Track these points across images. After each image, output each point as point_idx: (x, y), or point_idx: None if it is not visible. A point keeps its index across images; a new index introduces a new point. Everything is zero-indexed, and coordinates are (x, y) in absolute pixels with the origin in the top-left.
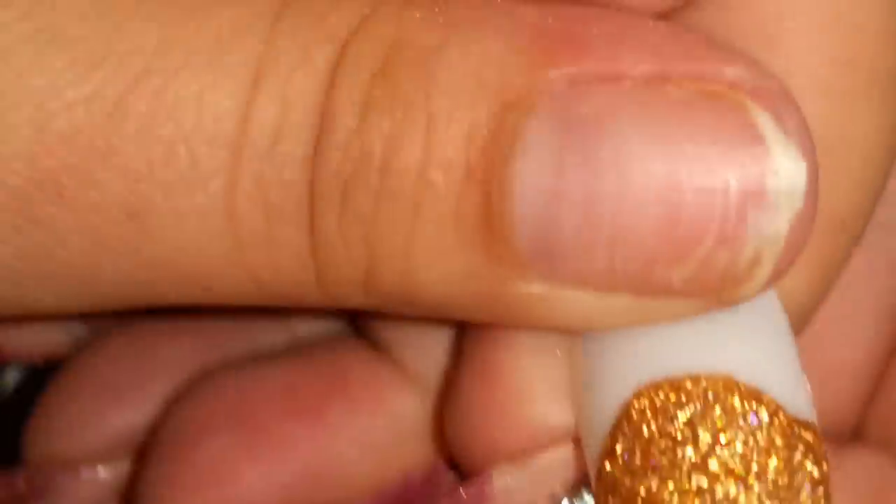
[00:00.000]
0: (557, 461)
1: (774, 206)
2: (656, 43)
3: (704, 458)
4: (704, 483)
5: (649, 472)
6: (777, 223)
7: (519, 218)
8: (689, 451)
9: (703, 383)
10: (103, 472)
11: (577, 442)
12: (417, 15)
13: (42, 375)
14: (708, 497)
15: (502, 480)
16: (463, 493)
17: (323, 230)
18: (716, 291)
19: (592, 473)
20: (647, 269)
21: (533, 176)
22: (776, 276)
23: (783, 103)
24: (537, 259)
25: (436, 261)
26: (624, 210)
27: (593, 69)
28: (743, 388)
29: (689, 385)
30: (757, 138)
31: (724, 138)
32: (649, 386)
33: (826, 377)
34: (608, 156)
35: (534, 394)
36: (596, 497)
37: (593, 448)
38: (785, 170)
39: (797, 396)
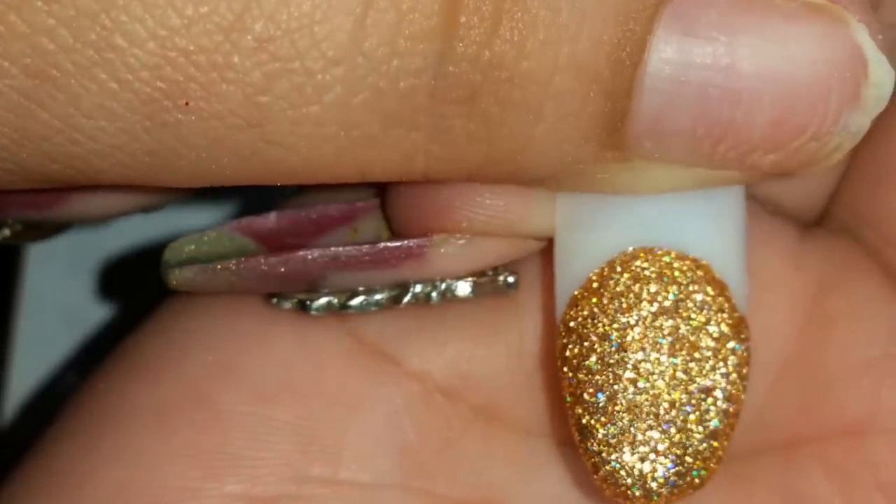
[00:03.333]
0: (498, 246)
1: (864, 108)
2: None
3: (676, 331)
4: (672, 349)
5: (629, 325)
6: (862, 121)
7: (638, 115)
8: (669, 321)
9: (692, 266)
10: None
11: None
12: None
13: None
14: (670, 362)
15: (443, 246)
16: (401, 243)
17: (448, 131)
18: (791, 171)
19: (561, 299)
20: (745, 155)
21: (656, 79)
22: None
23: (872, 16)
24: (644, 145)
25: (550, 152)
26: (739, 110)
27: None
28: (717, 281)
29: (680, 263)
30: (857, 51)
31: (831, 50)
32: (645, 250)
33: None
34: (727, 61)
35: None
36: (564, 321)
37: (569, 279)
38: (878, 79)
39: (741, 292)
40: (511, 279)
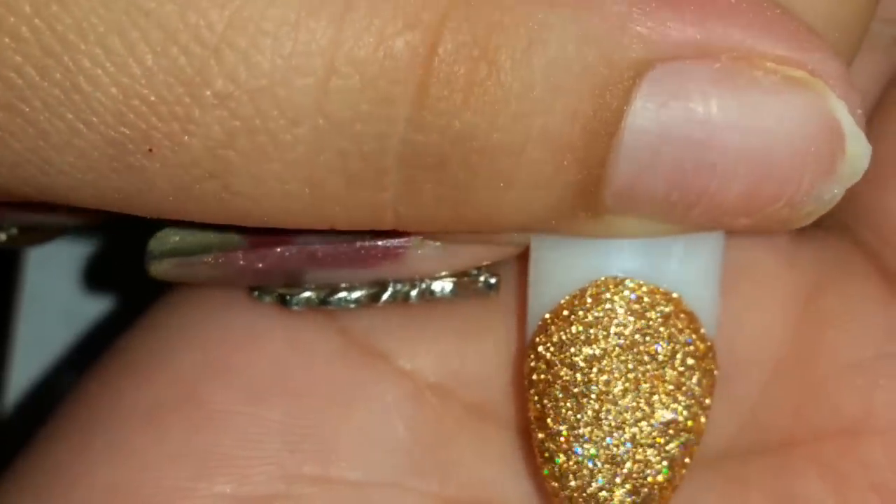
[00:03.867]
0: (474, 249)
1: (838, 181)
2: (745, 18)
3: (644, 362)
4: (637, 381)
5: (596, 355)
6: (836, 192)
7: (613, 182)
8: (636, 352)
9: (662, 298)
10: None
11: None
12: None
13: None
14: (635, 393)
15: (419, 248)
16: (377, 244)
17: (416, 193)
18: (763, 232)
19: (532, 320)
20: (717, 219)
21: (633, 149)
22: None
23: (852, 91)
24: (618, 206)
25: (521, 214)
26: (713, 182)
27: (687, 46)
28: (688, 313)
29: (653, 296)
30: (836, 125)
31: (808, 126)
32: (616, 280)
33: None
34: (703, 134)
35: None
36: (534, 344)
37: (540, 302)
38: (854, 155)
39: (712, 320)
40: (492, 280)
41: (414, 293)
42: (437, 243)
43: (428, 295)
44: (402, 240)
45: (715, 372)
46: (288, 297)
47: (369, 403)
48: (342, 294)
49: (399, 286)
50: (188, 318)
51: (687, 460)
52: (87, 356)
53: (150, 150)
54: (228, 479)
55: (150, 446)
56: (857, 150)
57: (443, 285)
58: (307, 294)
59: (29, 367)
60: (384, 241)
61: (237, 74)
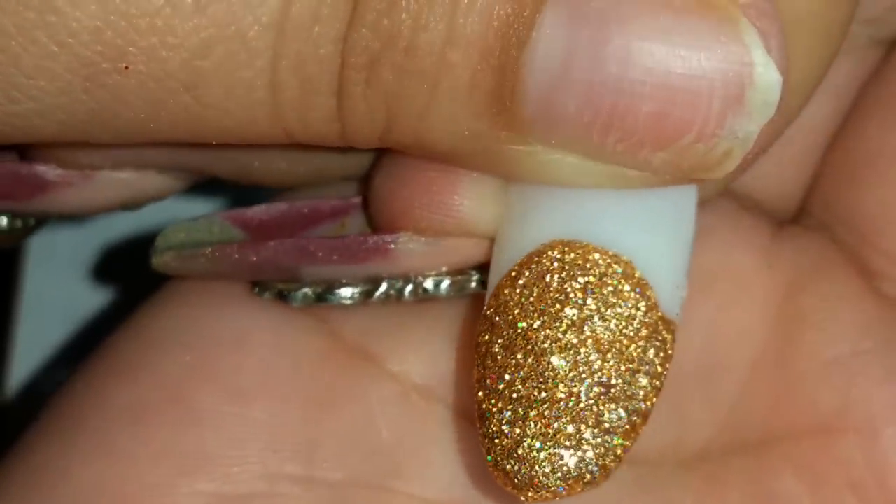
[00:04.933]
0: (463, 246)
1: (749, 113)
2: None
3: (582, 322)
4: (574, 341)
5: (536, 314)
6: (750, 128)
7: (526, 96)
8: (574, 311)
9: (608, 260)
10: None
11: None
12: None
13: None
14: (572, 353)
15: (408, 244)
16: (368, 239)
17: (350, 96)
18: (686, 173)
19: (490, 290)
20: (634, 149)
21: (544, 60)
22: (742, 167)
23: (770, 22)
24: (537, 128)
25: (446, 125)
26: (622, 100)
27: None
28: (637, 278)
29: (597, 256)
30: (744, 53)
31: (716, 49)
32: (564, 242)
33: (770, 158)
34: (613, 50)
35: (462, 184)
36: (484, 311)
37: (498, 271)
38: (763, 84)
39: (674, 297)
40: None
41: (408, 290)
42: (424, 238)
43: (421, 292)
44: (391, 235)
45: (669, 345)
46: (287, 293)
47: (353, 405)
48: (338, 290)
49: (393, 283)
50: (175, 318)
51: (630, 430)
52: (87, 353)
53: (126, 67)
54: (211, 477)
55: (135, 445)
56: (766, 79)
57: (436, 283)
58: (305, 290)
59: (29, 363)
60: (373, 237)
61: None
